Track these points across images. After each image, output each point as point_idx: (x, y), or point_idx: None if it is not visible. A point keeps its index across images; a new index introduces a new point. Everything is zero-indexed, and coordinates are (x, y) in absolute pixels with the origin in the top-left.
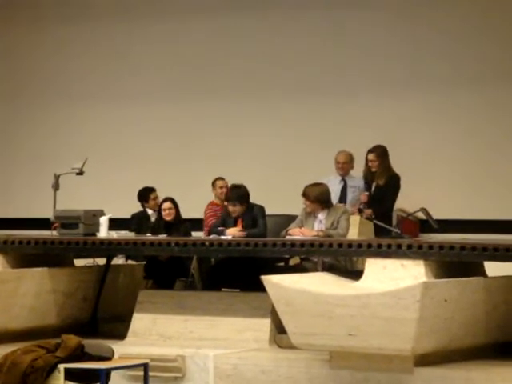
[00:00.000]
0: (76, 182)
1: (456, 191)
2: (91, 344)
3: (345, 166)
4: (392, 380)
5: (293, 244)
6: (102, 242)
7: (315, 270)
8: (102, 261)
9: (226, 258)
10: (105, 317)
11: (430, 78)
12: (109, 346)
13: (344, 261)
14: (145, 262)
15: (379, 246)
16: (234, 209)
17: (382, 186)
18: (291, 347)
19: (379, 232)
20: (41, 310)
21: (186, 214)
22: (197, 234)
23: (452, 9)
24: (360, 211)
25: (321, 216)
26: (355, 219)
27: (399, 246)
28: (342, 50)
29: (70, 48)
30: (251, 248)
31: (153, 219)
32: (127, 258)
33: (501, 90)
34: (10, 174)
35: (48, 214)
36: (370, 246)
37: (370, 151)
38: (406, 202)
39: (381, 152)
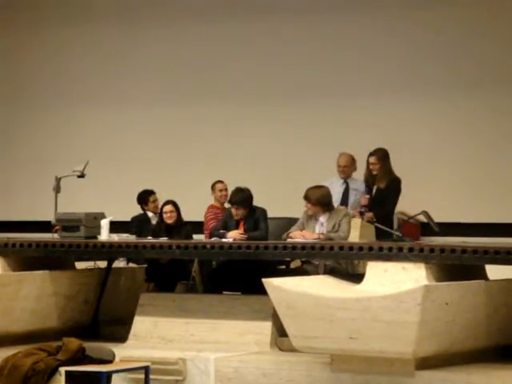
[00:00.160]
0: (77, 184)
1: (457, 194)
2: (92, 347)
3: (345, 169)
4: (393, 383)
5: (294, 247)
6: (103, 244)
7: (316, 273)
8: (103, 264)
9: (227, 261)
10: (106, 320)
11: (430, 80)
12: (110, 349)
13: (345, 264)
14: (146, 265)
15: (380, 249)
16: (237, 212)
17: (383, 189)
18: (292, 350)
19: (380, 235)
20: (42, 312)
21: (187, 216)
22: (198, 237)
23: (451, 12)
24: (361, 214)
25: (322, 219)
26: (356, 222)
27: (400, 249)
28: (342, 53)
29: (70, 50)
30: (252, 251)
31: (153, 222)
32: (128, 260)
33: (500, 93)
34: (10, 177)
35: (49, 216)
36: (371, 249)
37: (371, 154)
38: (407, 204)
39: (382, 155)
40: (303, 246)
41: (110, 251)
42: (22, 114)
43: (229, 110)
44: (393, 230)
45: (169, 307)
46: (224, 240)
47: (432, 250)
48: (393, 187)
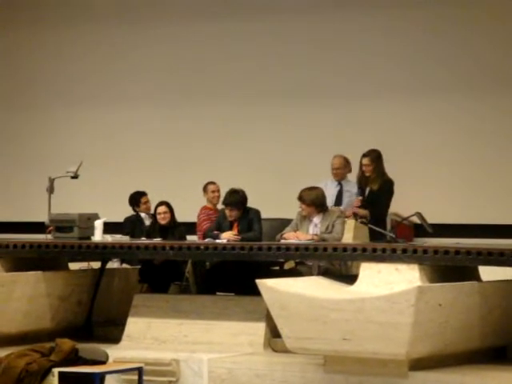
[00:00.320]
0: (71, 185)
1: (451, 195)
2: (86, 348)
3: (339, 171)
4: None
5: (288, 248)
6: (96, 245)
7: (310, 274)
8: (96, 264)
9: (220, 262)
10: (99, 321)
11: (430, 81)
12: (103, 350)
13: (339, 265)
14: (139, 266)
15: (374, 250)
16: (231, 213)
17: (376, 191)
18: (286, 351)
19: (374, 236)
20: (35, 313)
21: (180, 217)
22: (192, 238)
23: (451, 12)
24: (355, 215)
25: (316, 220)
26: (350, 223)
27: (394, 251)
28: (339, 55)
29: (69, 50)
30: (246, 252)
31: (146, 222)
32: (122, 261)
33: (500, 94)
34: (4, 178)
35: (43, 217)
36: (364, 250)
37: (364, 155)
38: (401, 206)
39: (375, 156)
40: (297, 247)
41: (103, 252)
42: (16, 115)
43: (223, 112)
44: (386, 231)
45: (162, 308)
46: (218, 241)
47: (425, 251)
48: (386, 189)
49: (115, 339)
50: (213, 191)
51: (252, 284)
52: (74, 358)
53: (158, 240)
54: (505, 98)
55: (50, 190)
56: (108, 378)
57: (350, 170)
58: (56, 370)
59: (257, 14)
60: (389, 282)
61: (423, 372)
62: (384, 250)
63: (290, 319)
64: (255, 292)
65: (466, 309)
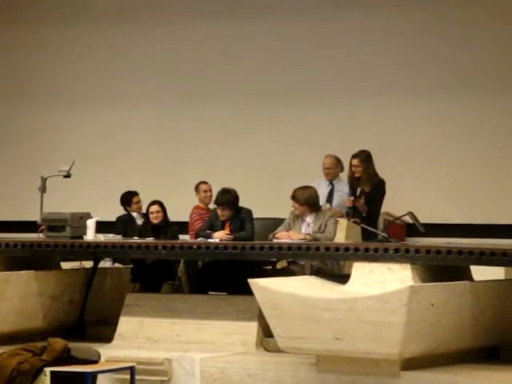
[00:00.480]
0: (63, 184)
1: (443, 195)
2: (78, 347)
3: (330, 171)
4: None
5: (280, 247)
6: (89, 244)
7: (302, 273)
8: (88, 264)
9: (213, 262)
10: (91, 320)
11: (430, 81)
12: (95, 350)
13: (331, 264)
14: (132, 265)
15: (366, 249)
16: (223, 213)
17: (368, 192)
18: (278, 351)
19: (366, 236)
20: (27, 313)
21: (173, 217)
22: (184, 238)
23: (451, 12)
24: (347, 215)
25: (309, 219)
26: (343, 223)
27: (386, 250)
28: (339, 55)
29: (68, 50)
30: (238, 251)
31: (138, 222)
32: (114, 261)
33: (497, 95)
34: None
35: (35, 216)
36: (357, 249)
37: (353, 156)
38: (393, 205)
39: (365, 157)
40: (289, 247)
41: (95, 251)
42: (10, 115)
43: (216, 112)
44: (379, 230)
45: (154, 307)
46: (210, 240)
47: (418, 251)
48: (377, 189)
49: (107, 338)
50: (205, 191)
51: (244, 283)
52: (66, 358)
53: (150, 239)
54: (505, 98)
55: (43, 189)
56: (100, 377)
57: (341, 170)
58: (48, 370)
59: (257, 14)
60: (381, 281)
61: (415, 372)
62: (376, 250)
63: (282, 319)
64: (247, 291)
65: (458, 308)
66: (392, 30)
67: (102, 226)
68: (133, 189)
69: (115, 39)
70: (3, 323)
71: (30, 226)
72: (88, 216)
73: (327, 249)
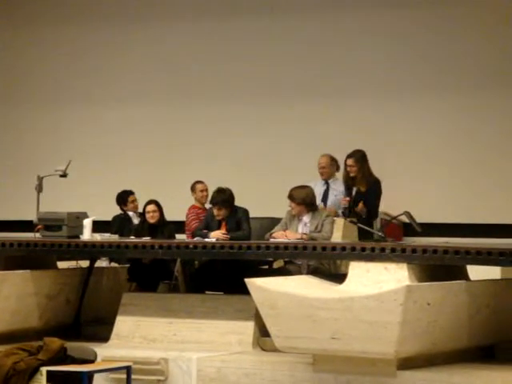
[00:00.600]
0: (59, 184)
1: (439, 195)
2: (74, 347)
3: (325, 170)
4: (375, 383)
5: (277, 247)
6: (85, 244)
7: (299, 273)
8: (85, 263)
9: (209, 261)
10: (88, 319)
11: (427, 81)
12: (92, 349)
13: (328, 264)
14: (128, 265)
15: (363, 249)
16: (219, 212)
17: (364, 192)
18: (275, 350)
19: (363, 235)
20: (23, 312)
21: (169, 216)
22: (180, 237)
23: (452, 12)
24: (343, 214)
25: (306, 219)
26: (339, 223)
27: (383, 250)
28: (332, 55)
29: (69, 49)
30: (235, 251)
31: (134, 221)
32: (111, 260)
33: (497, 95)
34: None
35: (31, 216)
36: (353, 249)
37: (348, 156)
38: (390, 205)
39: (359, 157)
40: (286, 246)
41: (92, 251)
42: (6, 114)
43: (212, 110)
44: (375, 230)
45: (151, 307)
46: (207, 240)
47: (414, 251)
48: (373, 189)
49: (104, 338)
50: (201, 190)
51: (241, 283)
52: (63, 357)
53: (146, 239)
54: (504, 98)
55: (39, 188)
56: (96, 376)
57: (337, 169)
58: (44, 369)
59: (257, 14)
60: (378, 281)
61: (411, 371)
62: (373, 249)
63: (278, 318)
64: (244, 291)
65: (455, 308)
66: (391, 30)
67: (98, 226)
68: (129, 188)
69: (113, 38)
70: None
71: (26, 226)
72: (84, 215)
73: (324, 248)
